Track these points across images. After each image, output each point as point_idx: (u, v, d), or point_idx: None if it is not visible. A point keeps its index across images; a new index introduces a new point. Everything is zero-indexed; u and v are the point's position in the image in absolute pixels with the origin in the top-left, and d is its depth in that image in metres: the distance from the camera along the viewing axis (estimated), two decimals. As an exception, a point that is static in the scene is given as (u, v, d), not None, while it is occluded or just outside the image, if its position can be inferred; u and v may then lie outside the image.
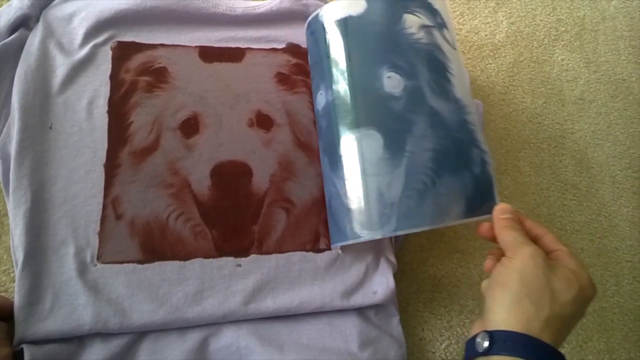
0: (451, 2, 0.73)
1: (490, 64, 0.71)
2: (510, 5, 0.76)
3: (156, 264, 0.49)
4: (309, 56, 0.57)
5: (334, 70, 0.50)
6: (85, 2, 0.57)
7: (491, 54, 0.71)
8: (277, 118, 0.57)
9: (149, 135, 0.53)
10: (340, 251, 0.53)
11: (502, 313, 0.36)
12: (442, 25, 0.51)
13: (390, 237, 0.54)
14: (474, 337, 0.37)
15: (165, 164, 0.53)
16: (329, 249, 0.53)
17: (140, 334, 0.47)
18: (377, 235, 0.45)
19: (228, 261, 0.50)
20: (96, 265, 0.48)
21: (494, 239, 0.42)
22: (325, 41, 0.51)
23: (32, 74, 0.53)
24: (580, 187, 0.67)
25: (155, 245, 0.50)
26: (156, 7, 0.57)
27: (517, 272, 0.37)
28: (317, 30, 0.53)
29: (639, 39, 0.79)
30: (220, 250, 0.51)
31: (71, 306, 0.46)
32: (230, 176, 0.53)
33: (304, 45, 0.62)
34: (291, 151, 0.56)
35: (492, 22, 0.74)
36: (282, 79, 0.59)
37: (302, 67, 0.61)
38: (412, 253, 0.57)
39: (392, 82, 0.47)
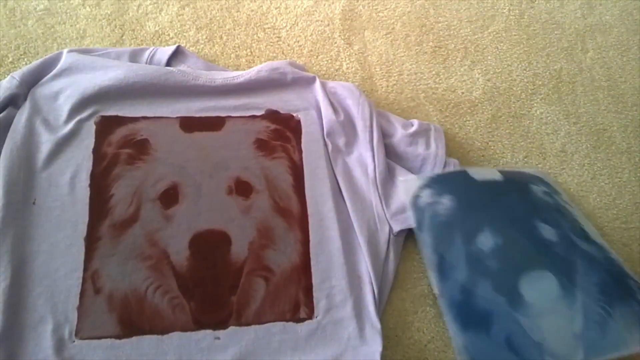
0: (427, 63, 0.76)
1: (468, 120, 0.72)
2: (485, 62, 0.78)
3: (134, 338, 0.49)
4: (456, 197, 0.59)
5: (499, 219, 0.58)
6: (71, 79, 0.60)
7: (469, 110, 0.73)
8: (256, 184, 0.58)
9: (129, 208, 0.54)
10: (320, 320, 0.52)
11: None
12: (555, 192, 0.64)
13: (374, 300, 0.53)
14: None
15: (145, 235, 0.53)
16: (310, 318, 0.52)
17: (116, 413, 0.46)
18: None
19: (206, 334, 0.50)
20: (74, 341, 0.48)
21: None
22: (481, 194, 0.60)
23: (18, 151, 0.55)
24: (567, 240, 0.66)
25: (133, 319, 0.50)
26: (138, 82, 0.60)
27: None
28: (468, 183, 0.61)
29: (617, 88, 0.81)
30: (199, 322, 0.50)
31: (46, 387, 0.45)
32: (209, 245, 0.54)
33: (282, 111, 0.63)
34: (270, 217, 0.57)
35: (469, 79, 0.75)
36: (261, 145, 0.61)
37: (280, 132, 0.62)
38: (396, 317, 0.56)
39: (547, 232, 0.56)
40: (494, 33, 0.81)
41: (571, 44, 0.84)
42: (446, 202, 0.58)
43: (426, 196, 0.59)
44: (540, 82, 0.78)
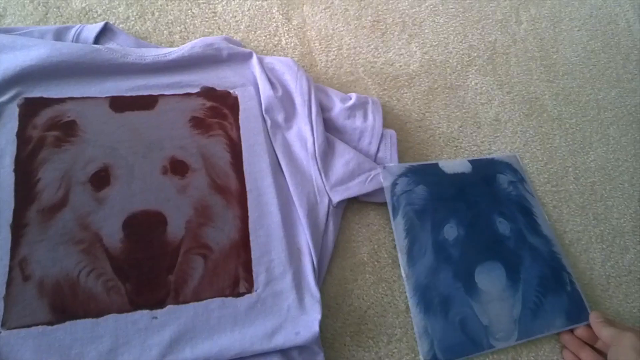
0: (365, 37, 0.76)
1: (406, 93, 0.73)
2: (422, 36, 0.79)
3: (67, 323, 0.48)
4: (429, 188, 0.63)
5: (463, 212, 0.63)
6: (-11, 61, 0.57)
7: (406, 83, 0.74)
8: (192, 163, 0.57)
9: (57, 192, 0.52)
10: (260, 293, 0.52)
11: None
12: (522, 180, 0.70)
13: (313, 271, 0.54)
14: None
15: (75, 219, 0.52)
16: (249, 292, 0.52)
17: (52, 400, 0.45)
18: (505, 345, 0.57)
19: (143, 314, 0.49)
20: (0, 332, 0.46)
21: (590, 338, 0.58)
22: (450, 187, 0.65)
23: None
24: (502, 205, 0.69)
25: (66, 305, 0.48)
26: (63, 61, 0.57)
27: (632, 347, 0.52)
28: (439, 175, 0.66)
29: (549, 58, 0.84)
30: (135, 303, 0.49)
31: (-27, 381, 0.44)
32: (144, 227, 0.53)
33: (218, 88, 0.62)
34: (207, 195, 0.56)
35: (406, 53, 0.76)
36: (197, 123, 0.60)
37: (217, 109, 0.61)
38: (336, 286, 0.57)
39: (502, 226, 0.64)
40: (431, 6, 0.83)
41: (505, 16, 0.86)
42: (420, 192, 0.62)
43: (403, 184, 0.62)
44: (475, 54, 0.80)
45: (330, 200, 0.59)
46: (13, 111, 0.55)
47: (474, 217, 0.63)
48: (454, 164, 0.67)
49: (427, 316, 0.56)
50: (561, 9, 0.91)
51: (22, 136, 0.54)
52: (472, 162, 0.68)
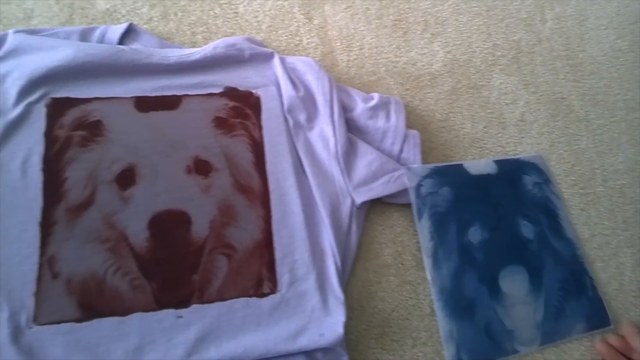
0: (387, 36, 0.75)
1: (429, 93, 0.72)
2: (445, 35, 0.78)
3: (94, 321, 0.48)
4: (454, 190, 0.63)
5: (488, 215, 0.63)
6: (18, 61, 0.58)
7: (429, 83, 0.73)
8: (215, 163, 0.57)
9: (84, 190, 0.53)
10: (284, 294, 0.52)
11: None
12: (547, 181, 0.69)
13: (337, 272, 0.54)
14: None
15: (101, 218, 0.52)
16: (273, 292, 0.52)
17: (79, 397, 0.46)
18: (528, 351, 0.57)
19: (168, 313, 0.50)
20: (32, 328, 0.47)
21: (624, 348, 0.57)
22: (475, 189, 0.64)
23: (-36, 138, 0.53)
24: (527, 207, 0.67)
25: (93, 302, 0.49)
26: (88, 62, 0.58)
27: None
28: (464, 177, 0.65)
29: (575, 58, 0.82)
30: (160, 302, 0.50)
31: (4, 375, 0.44)
32: (169, 226, 0.53)
33: (241, 88, 0.62)
34: (231, 195, 0.56)
35: (429, 52, 0.76)
36: (220, 123, 0.60)
37: (240, 110, 0.61)
38: (360, 288, 0.57)
39: (526, 229, 0.63)
40: (454, 5, 0.81)
41: (530, 14, 0.85)
42: (445, 193, 0.62)
43: (428, 186, 0.62)
44: (499, 53, 0.79)
45: (353, 201, 0.59)
46: (40, 111, 0.56)
47: (498, 220, 0.62)
48: (479, 164, 0.66)
49: (453, 320, 0.55)
50: (587, 7, 0.89)
51: (49, 136, 0.55)
52: (497, 162, 0.67)
